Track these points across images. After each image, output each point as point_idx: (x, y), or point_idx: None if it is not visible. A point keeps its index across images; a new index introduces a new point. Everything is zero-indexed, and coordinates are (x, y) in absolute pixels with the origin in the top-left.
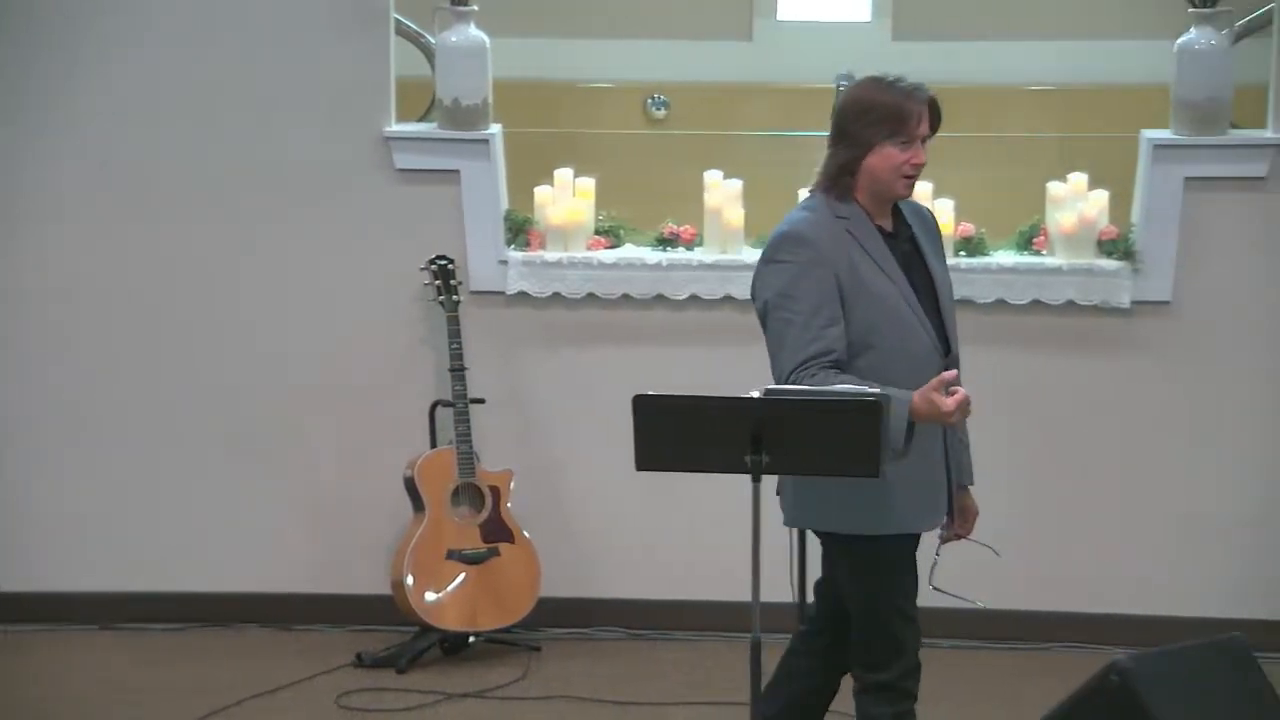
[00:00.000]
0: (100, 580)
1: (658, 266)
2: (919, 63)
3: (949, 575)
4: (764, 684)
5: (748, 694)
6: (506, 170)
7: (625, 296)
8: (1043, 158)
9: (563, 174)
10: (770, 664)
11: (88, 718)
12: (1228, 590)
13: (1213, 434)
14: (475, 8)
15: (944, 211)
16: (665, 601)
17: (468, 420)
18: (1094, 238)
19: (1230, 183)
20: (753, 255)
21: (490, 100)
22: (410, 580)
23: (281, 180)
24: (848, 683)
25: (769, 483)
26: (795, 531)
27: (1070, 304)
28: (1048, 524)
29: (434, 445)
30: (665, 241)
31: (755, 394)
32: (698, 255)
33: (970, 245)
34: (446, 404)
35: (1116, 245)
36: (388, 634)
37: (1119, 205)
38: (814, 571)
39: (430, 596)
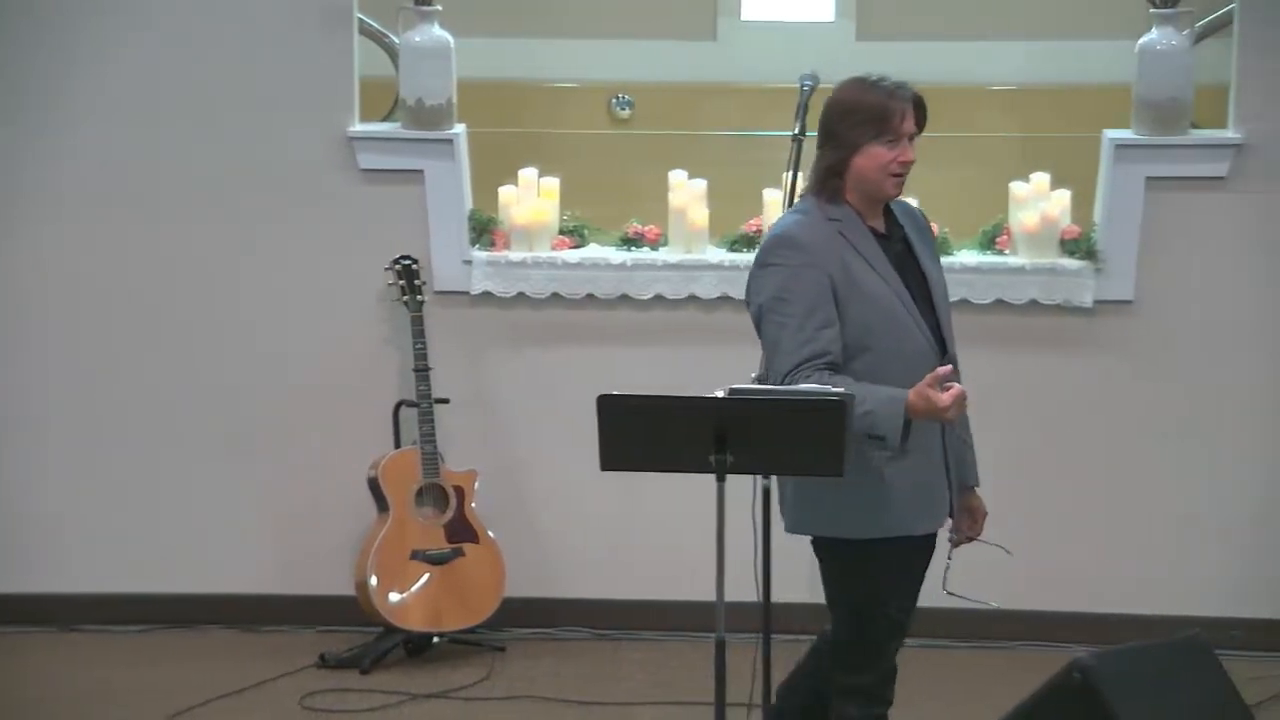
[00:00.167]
0: (64, 583)
1: (622, 266)
2: (882, 63)
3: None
4: (778, 682)
5: (712, 694)
6: (471, 170)
7: (590, 296)
8: (1005, 157)
9: (527, 174)
10: (735, 664)
11: (52, 719)
12: (1186, 588)
13: (1173, 433)
14: (439, 7)
15: None
16: (630, 601)
17: (432, 420)
18: (1057, 237)
19: (1191, 182)
20: (717, 255)
21: (454, 100)
22: (374, 581)
23: (244, 181)
24: None
25: (733, 482)
26: (760, 532)
27: (1033, 303)
28: (1012, 521)
29: (398, 445)
30: (630, 241)
31: (720, 393)
32: (662, 255)
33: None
34: (411, 404)
35: (1079, 245)
36: (351, 635)
37: (1081, 205)
38: (810, 574)
39: (394, 597)
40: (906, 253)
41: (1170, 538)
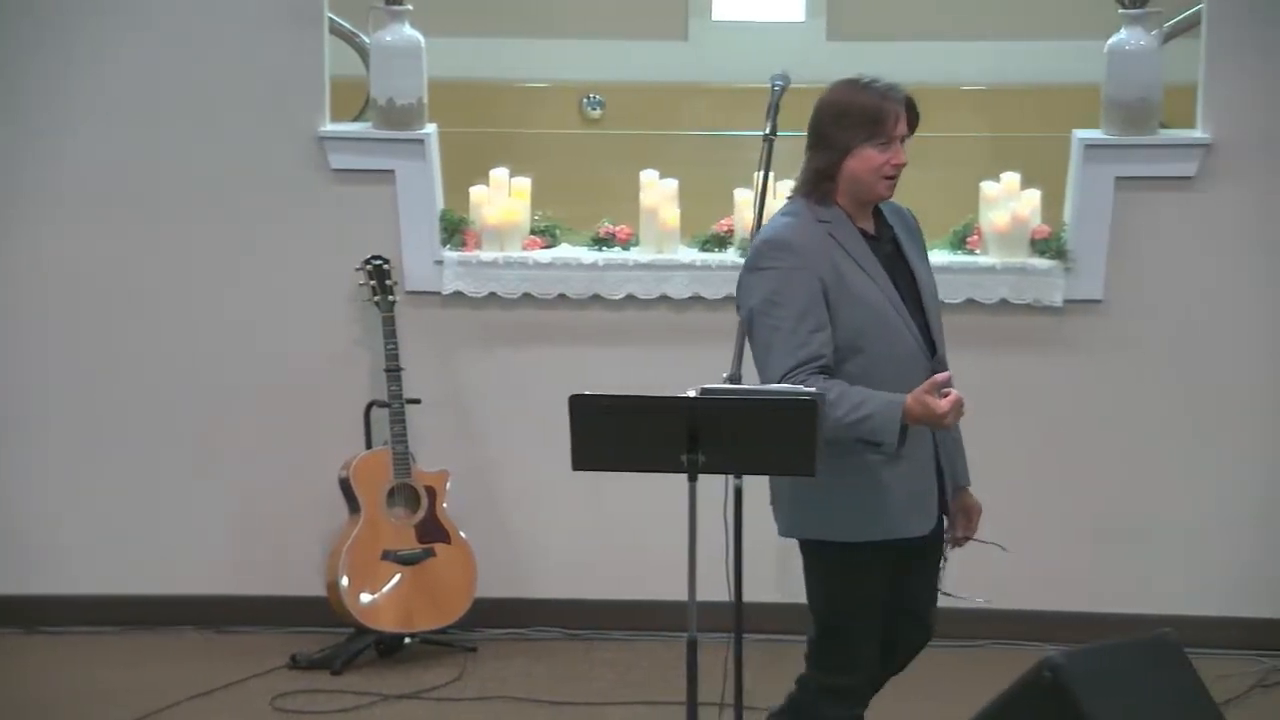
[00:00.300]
0: (30, 584)
1: (594, 266)
2: (853, 63)
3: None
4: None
5: (684, 693)
6: (442, 170)
7: (561, 296)
8: (976, 157)
9: (498, 174)
10: (707, 662)
11: None
12: (1161, 589)
13: (1142, 432)
14: (410, 7)
15: None
16: (601, 601)
17: (403, 421)
18: (1027, 237)
19: (1160, 182)
20: (688, 255)
21: (425, 100)
22: (345, 581)
23: (214, 180)
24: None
25: (705, 481)
26: (732, 531)
27: (1004, 303)
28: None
29: (369, 446)
30: (601, 241)
31: (691, 393)
32: (634, 255)
33: None
34: (382, 404)
35: (1049, 244)
36: (323, 635)
37: (1051, 204)
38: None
39: (366, 598)
40: (896, 254)
41: (1144, 538)
